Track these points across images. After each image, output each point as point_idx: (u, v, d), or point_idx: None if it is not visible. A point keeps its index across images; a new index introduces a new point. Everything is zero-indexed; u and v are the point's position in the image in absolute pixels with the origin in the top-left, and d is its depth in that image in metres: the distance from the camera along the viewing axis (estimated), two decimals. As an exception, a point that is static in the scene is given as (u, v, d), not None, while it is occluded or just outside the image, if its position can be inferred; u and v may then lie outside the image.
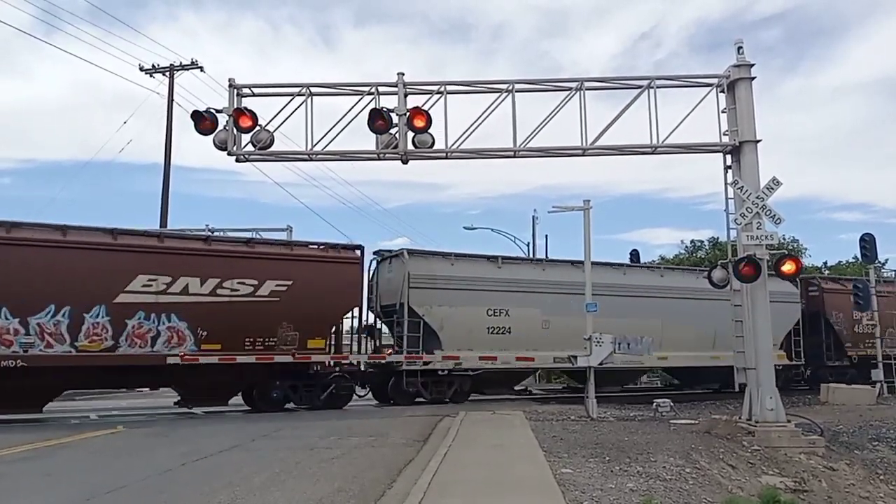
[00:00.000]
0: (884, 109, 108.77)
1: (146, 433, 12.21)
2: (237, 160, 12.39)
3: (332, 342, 17.27)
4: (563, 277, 19.64)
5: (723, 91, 12.41)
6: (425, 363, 17.77)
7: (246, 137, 12.14)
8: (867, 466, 11.23)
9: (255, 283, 15.80)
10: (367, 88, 12.38)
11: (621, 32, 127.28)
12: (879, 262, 36.63)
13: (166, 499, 6.91)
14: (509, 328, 18.78)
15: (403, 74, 12.27)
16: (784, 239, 36.96)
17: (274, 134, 12.26)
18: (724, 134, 12.35)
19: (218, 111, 12.03)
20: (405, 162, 12.45)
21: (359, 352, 18.21)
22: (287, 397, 16.34)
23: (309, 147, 12.32)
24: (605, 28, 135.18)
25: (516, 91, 12.50)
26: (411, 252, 18.61)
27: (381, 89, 12.30)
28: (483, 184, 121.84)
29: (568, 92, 12.50)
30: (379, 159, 12.57)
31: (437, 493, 6.69)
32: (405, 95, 12.21)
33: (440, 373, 18.09)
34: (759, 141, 12.06)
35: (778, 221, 11.62)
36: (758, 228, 11.57)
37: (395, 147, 12.12)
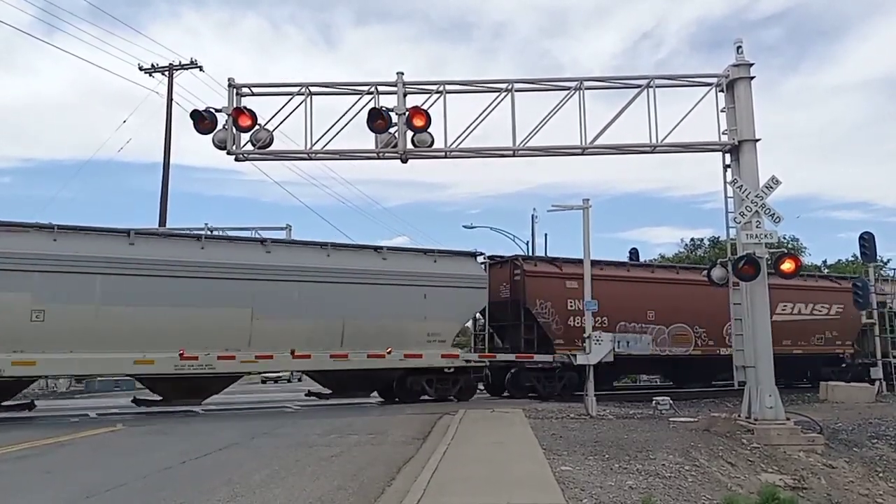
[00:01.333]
0: (884, 108, 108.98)
1: (146, 431, 12.22)
2: (236, 159, 12.41)
3: None
4: (84, 250, 14.26)
5: (722, 90, 12.43)
6: None
7: (245, 137, 12.16)
8: (866, 464, 11.24)
9: None
10: (366, 88, 12.40)
11: (622, 31, 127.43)
12: (882, 260, 36.85)
13: (166, 496, 6.91)
14: None
15: (403, 74, 12.30)
16: (784, 238, 37.06)
17: (273, 133, 12.31)
18: (724, 133, 12.37)
19: (217, 110, 12.06)
20: (404, 161, 12.47)
21: None
22: None
23: (308, 146, 12.34)
24: (606, 27, 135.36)
25: (516, 90, 12.52)
26: None
27: (380, 88, 12.33)
28: (484, 183, 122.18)
29: (567, 91, 12.53)
30: (378, 158, 12.59)
31: (436, 490, 6.70)
32: (404, 95, 12.23)
33: None
34: (758, 140, 12.09)
35: (777, 220, 11.66)
36: (757, 227, 11.61)
37: (395, 146, 12.15)
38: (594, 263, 20.58)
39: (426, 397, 17.60)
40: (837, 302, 23.75)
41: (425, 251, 18.50)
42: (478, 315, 19.48)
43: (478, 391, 19.81)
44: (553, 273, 20.09)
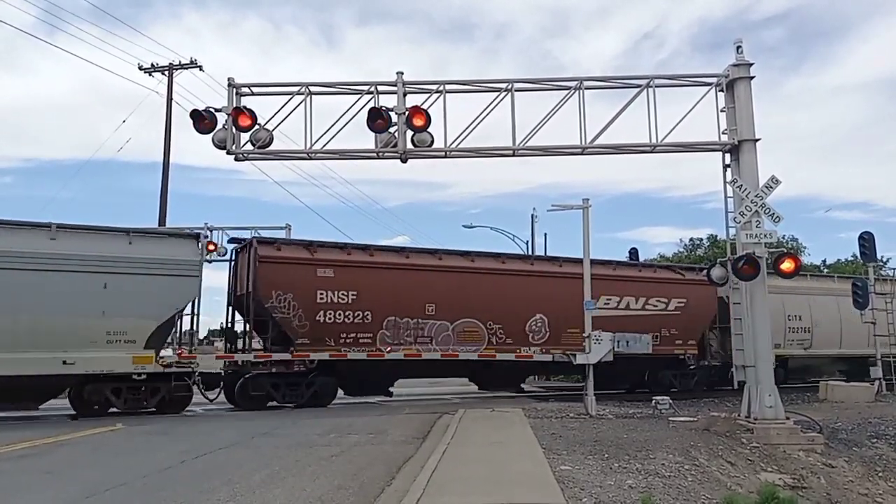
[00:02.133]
0: (885, 109, 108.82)
1: (146, 431, 12.22)
2: (236, 159, 12.42)
3: None
4: None
5: (722, 90, 12.44)
6: None
7: (245, 136, 12.18)
8: (866, 463, 11.24)
9: None
10: (366, 87, 12.41)
11: (624, 32, 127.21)
12: (882, 260, 36.85)
13: (166, 496, 6.92)
14: None
15: (402, 73, 12.31)
16: (783, 237, 37.09)
17: (273, 133, 12.32)
18: (723, 133, 12.38)
19: (217, 110, 12.08)
20: (404, 161, 12.48)
21: None
22: None
23: (308, 146, 12.35)
24: (607, 28, 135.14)
25: (515, 90, 12.53)
26: None
27: (380, 88, 12.34)
28: (485, 182, 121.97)
29: (567, 91, 12.54)
30: (378, 158, 12.60)
31: (436, 490, 6.70)
32: (404, 94, 12.25)
33: None
34: (758, 140, 12.09)
35: (777, 220, 11.66)
36: (757, 227, 11.61)
37: (395, 146, 12.16)
38: (363, 248, 17.16)
39: (115, 409, 14.56)
40: (678, 296, 20.82)
41: (128, 231, 14.95)
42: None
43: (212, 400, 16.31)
44: (300, 259, 16.70)
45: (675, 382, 20.74)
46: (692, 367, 21.13)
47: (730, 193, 12.18)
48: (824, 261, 43.25)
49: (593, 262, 14.87)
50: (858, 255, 25.17)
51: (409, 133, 12.08)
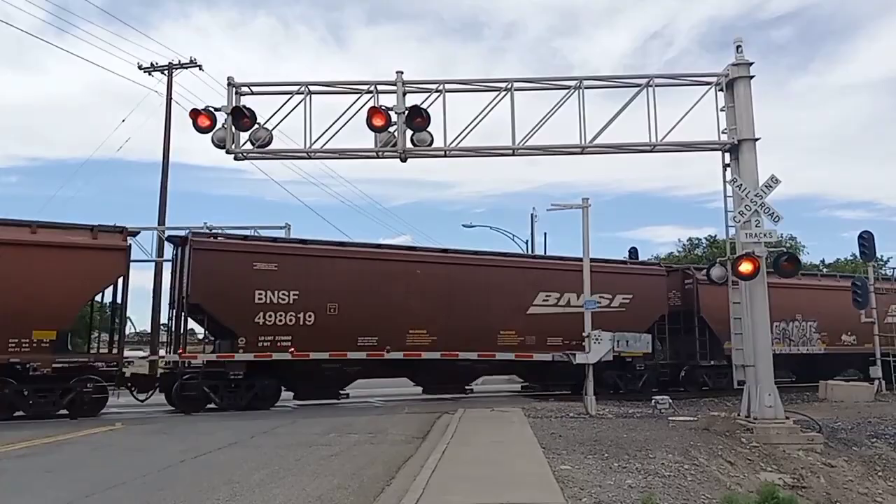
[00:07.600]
0: (891, 108, 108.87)
1: (145, 430, 12.23)
2: (235, 158, 12.41)
3: None
4: None
5: (722, 89, 12.44)
6: None
7: (245, 135, 12.16)
8: (865, 463, 11.24)
9: None
10: (366, 87, 12.39)
11: (633, 31, 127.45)
12: (882, 260, 36.87)
13: (166, 495, 6.92)
14: None
15: (402, 73, 12.29)
16: (782, 237, 37.11)
17: (273, 132, 12.31)
18: (723, 132, 12.38)
19: (217, 109, 12.06)
20: (404, 160, 12.47)
21: None
22: None
23: (308, 145, 12.34)
24: (616, 26, 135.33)
25: (515, 89, 12.52)
26: None
27: (380, 87, 12.32)
28: (488, 182, 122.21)
29: (567, 90, 12.53)
30: (378, 157, 12.59)
31: (436, 489, 6.70)
32: (404, 94, 12.23)
33: None
34: (757, 139, 12.09)
35: (776, 219, 11.65)
36: (756, 226, 11.61)
37: (394, 145, 12.15)
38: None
39: None
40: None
41: None
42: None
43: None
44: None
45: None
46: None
47: (729, 193, 12.18)
48: (823, 260, 43.39)
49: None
50: (858, 254, 25.17)
51: (409, 132, 12.07)
